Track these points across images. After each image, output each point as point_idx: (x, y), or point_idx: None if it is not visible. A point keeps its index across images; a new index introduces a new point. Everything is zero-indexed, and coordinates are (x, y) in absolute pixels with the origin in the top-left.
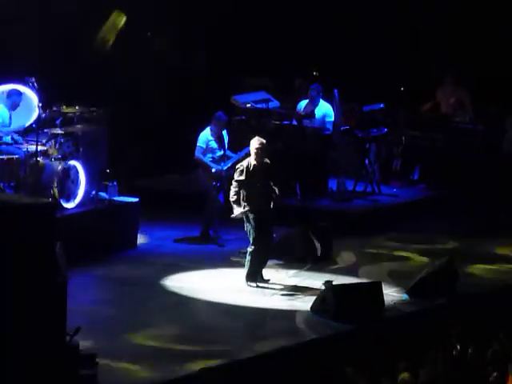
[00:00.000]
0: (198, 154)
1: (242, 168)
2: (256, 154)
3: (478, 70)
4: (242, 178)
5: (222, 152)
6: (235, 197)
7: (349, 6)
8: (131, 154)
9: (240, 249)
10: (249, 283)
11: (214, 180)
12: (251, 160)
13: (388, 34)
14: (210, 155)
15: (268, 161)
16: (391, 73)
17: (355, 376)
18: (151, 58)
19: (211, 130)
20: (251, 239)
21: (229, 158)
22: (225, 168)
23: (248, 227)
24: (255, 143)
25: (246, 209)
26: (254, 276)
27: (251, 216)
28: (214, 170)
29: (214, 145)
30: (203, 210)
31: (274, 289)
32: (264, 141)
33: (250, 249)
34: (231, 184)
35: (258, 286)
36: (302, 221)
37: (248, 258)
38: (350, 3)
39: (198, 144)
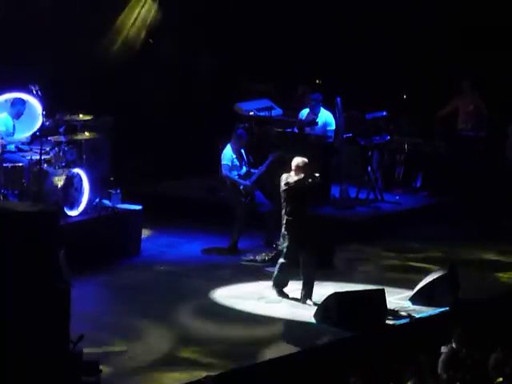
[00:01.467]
0: (225, 171)
1: (285, 182)
2: (296, 171)
3: (480, 76)
4: (286, 194)
5: (246, 168)
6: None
7: (352, 14)
8: (134, 162)
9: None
10: (274, 289)
11: (242, 197)
12: (292, 177)
13: (391, 42)
14: (236, 172)
15: (309, 179)
16: (394, 80)
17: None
18: (154, 66)
19: (232, 147)
20: (285, 252)
21: (252, 173)
22: (250, 184)
23: (284, 240)
24: (299, 162)
25: (285, 226)
26: (278, 287)
27: (290, 230)
28: (242, 187)
29: (237, 162)
30: (233, 224)
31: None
32: (306, 160)
33: (281, 260)
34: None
35: (279, 295)
36: None
37: (277, 269)
38: (353, 12)
39: (223, 162)
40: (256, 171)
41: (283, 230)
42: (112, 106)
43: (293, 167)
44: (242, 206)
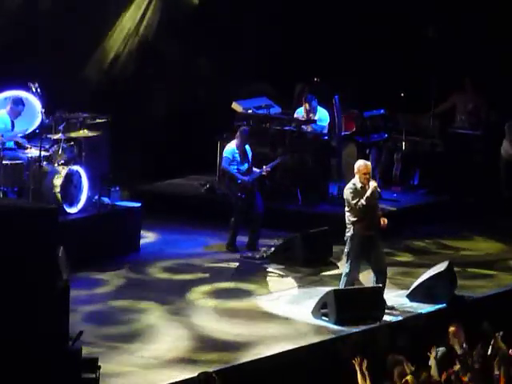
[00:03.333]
0: (225, 164)
1: (352, 190)
2: (365, 178)
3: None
4: (353, 202)
5: (247, 165)
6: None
7: (349, 13)
8: (133, 159)
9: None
10: None
11: (239, 191)
12: (357, 183)
13: (389, 40)
14: (236, 167)
15: (376, 188)
16: (392, 79)
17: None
18: (152, 63)
19: (236, 143)
20: (348, 261)
21: (254, 171)
22: (251, 180)
23: (349, 248)
24: (364, 167)
25: (351, 233)
26: None
27: (357, 239)
28: (239, 181)
29: (238, 157)
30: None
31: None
32: (370, 164)
33: (346, 269)
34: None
35: None
36: (302, 226)
37: (344, 279)
38: (350, 10)
39: (224, 155)
40: (258, 171)
41: (352, 235)
42: (111, 104)
43: (364, 172)
44: (239, 201)
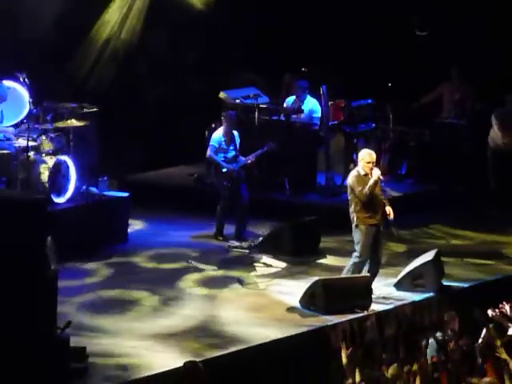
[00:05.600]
0: (210, 152)
1: (356, 177)
2: (368, 167)
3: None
4: (357, 188)
5: (234, 153)
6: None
7: (337, 2)
8: (121, 149)
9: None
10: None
11: (224, 180)
12: (361, 170)
13: (377, 30)
14: (222, 155)
15: (380, 176)
16: (379, 68)
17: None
18: (141, 54)
19: (223, 130)
20: (358, 249)
21: (240, 160)
22: (236, 168)
23: (357, 237)
24: (368, 156)
25: (355, 222)
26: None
27: (363, 227)
28: (224, 170)
29: (226, 145)
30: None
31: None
32: (373, 154)
33: (354, 259)
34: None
35: None
36: (290, 216)
37: (351, 268)
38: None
39: (210, 143)
40: (244, 159)
41: (357, 224)
42: (100, 94)
43: (367, 160)
44: (225, 190)
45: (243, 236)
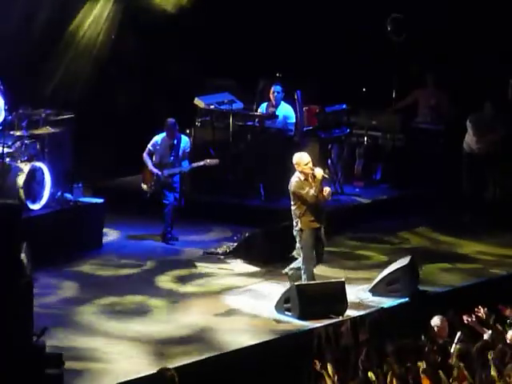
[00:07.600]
0: (144, 153)
1: (298, 183)
2: (309, 167)
3: (439, 71)
4: (303, 192)
5: (172, 159)
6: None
7: (311, 8)
8: (96, 156)
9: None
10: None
11: (151, 181)
12: (300, 176)
13: (350, 35)
14: (159, 158)
15: (323, 174)
16: (353, 73)
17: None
18: (115, 61)
19: (166, 135)
20: (303, 255)
21: (173, 166)
22: (165, 174)
23: (302, 241)
24: (304, 158)
25: (299, 226)
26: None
27: (307, 231)
28: (150, 170)
29: (162, 150)
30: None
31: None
32: (305, 154)
33: (304, 264)
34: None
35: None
36: (265, 221)
37: (305, 274)
38: (311, 4)
39: (148, 145)
40: (177, 168)
41: (301, 228)
42: (74, 100)
43: (305, 163)
44: (148, 191)
45: (167, 238)
